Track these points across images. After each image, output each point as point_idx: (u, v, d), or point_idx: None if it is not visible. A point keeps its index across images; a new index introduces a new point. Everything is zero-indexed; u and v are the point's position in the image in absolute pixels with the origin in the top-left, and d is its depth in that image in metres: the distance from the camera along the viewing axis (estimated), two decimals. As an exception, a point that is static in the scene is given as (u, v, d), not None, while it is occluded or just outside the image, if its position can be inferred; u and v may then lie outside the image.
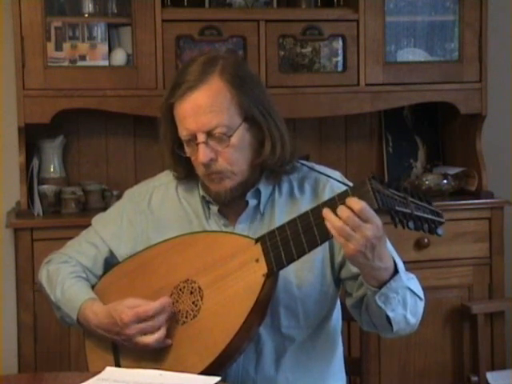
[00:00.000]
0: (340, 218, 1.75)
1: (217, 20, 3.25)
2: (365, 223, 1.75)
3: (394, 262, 1.87)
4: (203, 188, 2.07)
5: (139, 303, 1.95)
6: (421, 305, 1.98)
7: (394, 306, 1.88)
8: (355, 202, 1.75)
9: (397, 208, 1.75)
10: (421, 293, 1.98)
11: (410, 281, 1.93)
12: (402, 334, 1.99)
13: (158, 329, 1.93)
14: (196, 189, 2.11)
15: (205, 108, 1.95)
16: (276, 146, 2.00)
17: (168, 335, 1.94)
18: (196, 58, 2.03)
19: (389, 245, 1.97)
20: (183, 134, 1.99)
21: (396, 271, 1.86)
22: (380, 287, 1.85)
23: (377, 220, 1.77)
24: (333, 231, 1.77)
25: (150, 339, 1.93)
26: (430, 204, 1.82)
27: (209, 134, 1.96)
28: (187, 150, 2.01)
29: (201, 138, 1.96)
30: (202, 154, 1.96)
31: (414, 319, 1.95)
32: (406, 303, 1.91)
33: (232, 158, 1.97)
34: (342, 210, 1.76)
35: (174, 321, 1.96)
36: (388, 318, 1.90)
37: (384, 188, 1.76)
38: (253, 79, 2.05)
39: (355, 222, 1.74)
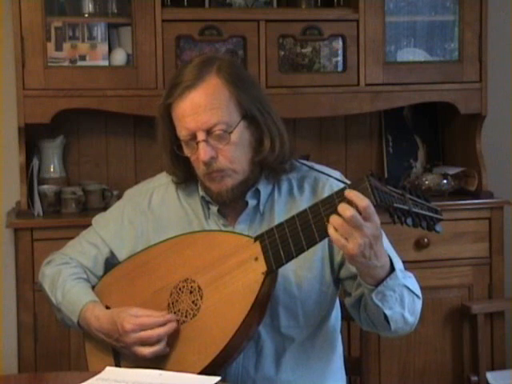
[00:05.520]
0: (342, 216, 1.74)
1: (217, 20, 3.25)
2: (366, 222, 1.74)
3: (391, 260, 1.87)
4: (203, 188, 2.06)
5: (144, 313, 1.95)
6: (419, 303, 1.97)
7: (392, 304, 1.87)
8: (361, 199, 1.73)
9: (395, 205, 1.75)
10: (418, 291, 1.97)
11: (406, 279, 1.93)
12: (401, 333, 1.98)
13: (157, 342, 1.93)
14: (196, 189, 2.10)
15: (204, 106, 1.95)
16: (275, 142, 2.00)
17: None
18: (192, 59, 2.04)
19: (388, 243, 1.97)
20: (182, 133, 1.99)
21: (392, 269, 1.86)
22: (376, 285, 1.85)
23: (376, 218, 1.76)
24: (331, 230, 1.75)
25: (147, 351, 1.93)
26: (427, 201, 1.81)
27: (208, 132, 1.95)
28: (186, 150, 2.01)
29: (201, 136, 1.95)
30: (202, 152, 1.95)
31: (412, 318, 1.95)
32: (404, 301, 1.90)
33: (232, 155, 1.97)
34: (345, 207, 1.74)
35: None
36: (386, 317, 1.89)
37: (382, 185, 1.76)
38: (249, 78, 2.06)
39: (357, 222, 1.73)
